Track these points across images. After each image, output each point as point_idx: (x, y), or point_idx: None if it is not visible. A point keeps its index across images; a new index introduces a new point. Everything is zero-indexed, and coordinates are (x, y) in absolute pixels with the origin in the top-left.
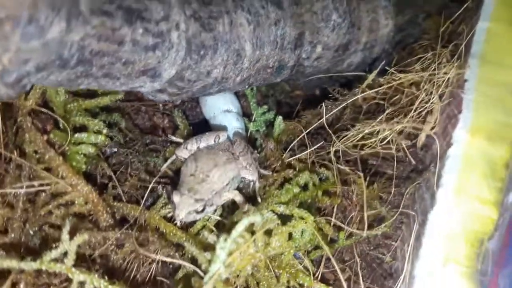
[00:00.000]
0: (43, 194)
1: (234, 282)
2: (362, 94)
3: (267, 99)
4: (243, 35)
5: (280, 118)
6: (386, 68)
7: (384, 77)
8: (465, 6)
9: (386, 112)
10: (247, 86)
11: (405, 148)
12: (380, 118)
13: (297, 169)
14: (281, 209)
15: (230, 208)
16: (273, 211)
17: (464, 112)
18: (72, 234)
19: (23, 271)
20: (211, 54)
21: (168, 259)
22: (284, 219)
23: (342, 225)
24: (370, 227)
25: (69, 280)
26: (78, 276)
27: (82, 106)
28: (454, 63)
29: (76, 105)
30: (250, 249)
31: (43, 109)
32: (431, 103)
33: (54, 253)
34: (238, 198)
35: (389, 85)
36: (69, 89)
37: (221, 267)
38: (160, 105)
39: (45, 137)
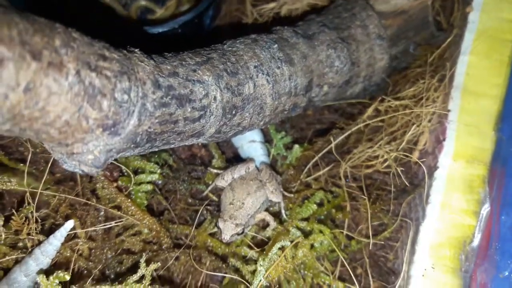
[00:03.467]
0: (117, 227)
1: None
2: (363, 123)
3: (284, 125)
4: (264, 92)
5: (297, 146)
6: (383, 97)
7: (381, 104)
8: (449, 40)
9: (384, 135)
10: (268, 125)
11: (400, 173)
12: (379, 143)
13: (313, 186)
14: (303, 225)
15: (261, 224)
16: (297, 227)
17: (448, 140)
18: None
19: None
20: (240, 111)
21: (218, 274)
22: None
23: (353, 236)
24: (377, 231)
25: None
26: None
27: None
28: (440, 92)
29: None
30: (282, 262)
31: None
32: (422, 126)
33: (135, 277)
34: (268, 217)
35: (387, 115)
36: None
37: (262, 279)
38: None
39: (115, 184)
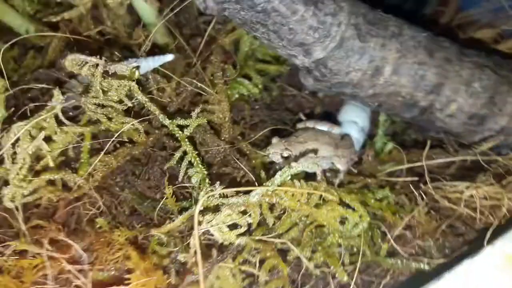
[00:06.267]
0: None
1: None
2: (472, 158)
3: (396, 137)
4: (387, 57)
5: (390, 144)
6: None
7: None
8: None
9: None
10: (376, 104)
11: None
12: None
13: (382, 186)
14: (348, 199)
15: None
16: (339, 197)
17: None
18: None
19: None
20: (355, 58)
21: None
22: None
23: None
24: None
25: None
26: None
27: (256, 66)
28: None
29: (252, 62)
30: (302, 197)
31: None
32: None
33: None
34: (319, 174)
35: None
36: (249, 33)
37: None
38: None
39: (223, 66)
